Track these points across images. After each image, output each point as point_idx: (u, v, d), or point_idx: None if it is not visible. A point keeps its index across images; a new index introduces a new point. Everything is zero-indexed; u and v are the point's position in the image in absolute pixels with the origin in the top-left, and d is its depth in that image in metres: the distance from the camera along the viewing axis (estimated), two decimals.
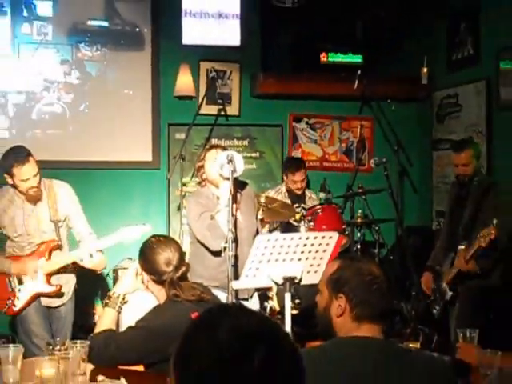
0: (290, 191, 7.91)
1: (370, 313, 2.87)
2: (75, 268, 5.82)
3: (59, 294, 5.79)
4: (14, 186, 5.59)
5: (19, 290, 5.68)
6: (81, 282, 6.06)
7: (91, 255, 5.53)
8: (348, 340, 2.86)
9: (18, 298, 5.67)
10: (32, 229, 5.72)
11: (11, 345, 3.95)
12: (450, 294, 6.32)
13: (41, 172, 5.62)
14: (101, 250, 5.66)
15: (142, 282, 4.26)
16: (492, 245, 5.84)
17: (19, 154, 5.50)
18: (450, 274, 6.29)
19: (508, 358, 3.63)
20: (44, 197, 5.74)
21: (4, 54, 8.04)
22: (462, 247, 6.18)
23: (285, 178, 8.01)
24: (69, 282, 5.90)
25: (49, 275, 5.70)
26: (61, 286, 5.75)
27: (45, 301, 5.78)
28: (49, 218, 5.74)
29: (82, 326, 6.68)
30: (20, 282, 5.70)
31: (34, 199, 5.68)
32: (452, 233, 6.52)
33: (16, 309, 5.68)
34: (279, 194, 7.84)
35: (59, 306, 5.87)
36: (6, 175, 5.55)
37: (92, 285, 7.66)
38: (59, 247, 5.77)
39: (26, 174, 5.49)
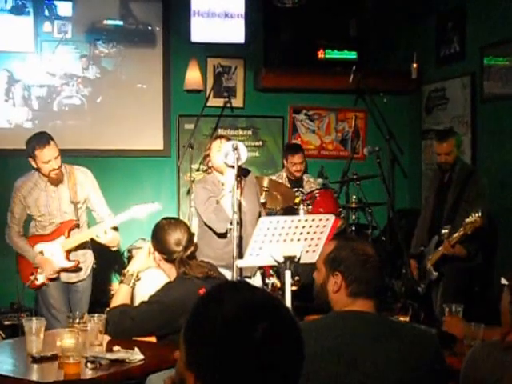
0: (289, 177, 7.92)
1: (364, 289, 2.87)
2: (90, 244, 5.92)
3: (77, 269, 5.83)
4: (37, 169, 5.64)
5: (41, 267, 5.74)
6: (99, 260, 6.09)
7: (105, 232, 5.60)
8: (343, 313, 2.87)
9: (40, 273, 5.72)
10: (54, 209, 5.77)
11: (34, 317, 3.97)
12: (435, 274, 6.28)
13: (61, 156, 5.67)
14: (116, 229, 5.71)
15: (154, 261, 4.28)
16: (477, 231, 5.82)
17: (41, 138, 5.57)
18: (436, 255, 6.25)
19: (490, 330, 3.65)
20: (65, 180, 5.79)
21: (27, 51, 8.04)
22: (446, 231, 6.14)
23: (285, 162, 8.00)
24: (87, 260, 5.94)
25: (68, 252, 5.75)
26: (78, 262, 5.80)
27: (64, 277, 5.82)
28: (69, 200, 5.80)
29: (99, 301, 6.69)
30: None
31: (56, 181, 5.73)
32: (436, 217, 6.48)
33: (38, 283, 5.73)
34: (280, 179, 7.84)
35: (78, 282, 5.90)
36: (29, 158, 5.60)
37: (109, 263, 7.69)
38: (77, 226, 5.81)
39: (47, 156, 5.53)
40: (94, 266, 6.00)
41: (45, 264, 5.70)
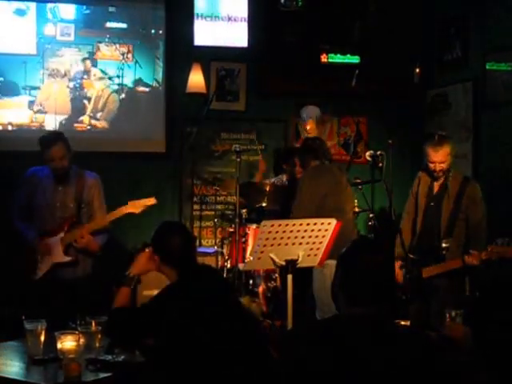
0: (289, 180, 7.95)
1: (356, 299, 2.87)
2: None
3: (74, 265, 5.91)
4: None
5: (40, 261, 5.79)
6: (100, 264, 6.12)
7: (82, 236, 5.75)
8: (341, 317, 2.89)
9: (38, 268, 5.78)
10: (57, 202, 5.90)
11: (35, 320, 3.98)
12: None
13: (68, 159, 5.84)
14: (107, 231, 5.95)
15: (155, 264, 4.28)
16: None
17: (49, 138, 5.83)
18: (438, 269, 5.87)
19: None
20: (72, 181, 5.95)
21: (30, 54, 8.05)
22: (447, 245, 5.85)
23: (284, 166, 8.04)
24: (86, 258, 6.00)
25: (66, 247, 5.82)
26: (76, 257, 5.87)
27: (60, 273, 5.84)
28: (73, 198, 5.93)
29: (101, 303, 6.70)
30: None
31: (59, 178, 5.90)
32: (429, 227, 6.16)
33: (37, 277, 5.78)
34: (280, 182, 7.89)
35: (75, 279, 5.91)
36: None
37: (110, 265, 7.69)
38: (76, 223, 5.88)
39: (52, 155, 5.76)
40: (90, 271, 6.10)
41: (43, 247, 5.80)
